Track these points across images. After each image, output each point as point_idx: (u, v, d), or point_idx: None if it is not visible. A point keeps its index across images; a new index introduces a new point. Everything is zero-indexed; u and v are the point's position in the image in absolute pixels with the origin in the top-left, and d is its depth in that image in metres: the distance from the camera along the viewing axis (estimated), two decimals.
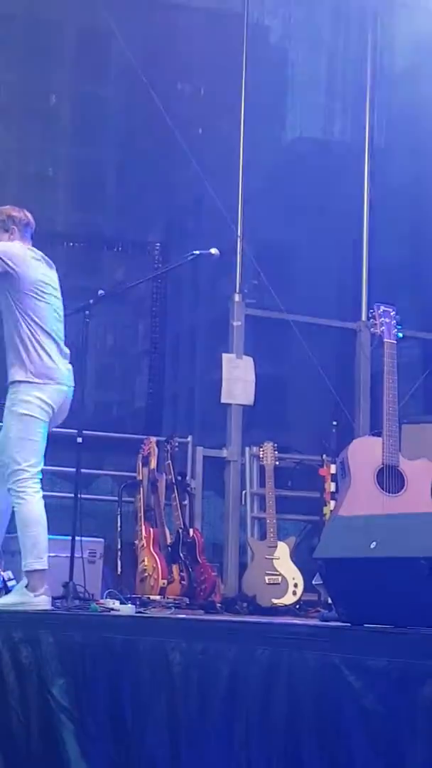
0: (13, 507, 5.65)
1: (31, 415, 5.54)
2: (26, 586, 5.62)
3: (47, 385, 5.58)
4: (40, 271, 5.65)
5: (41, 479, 5.68)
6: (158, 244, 8.80)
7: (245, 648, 4.16)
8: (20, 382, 5.56)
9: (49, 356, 5.60)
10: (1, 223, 5.70)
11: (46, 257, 5.84)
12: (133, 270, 8.82)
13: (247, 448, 8.31)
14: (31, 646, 5.17)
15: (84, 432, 6.16)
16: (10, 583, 6.27)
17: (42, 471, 5.71)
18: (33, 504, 5.56)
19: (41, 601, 5.60)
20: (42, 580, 5.61)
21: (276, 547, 7.38)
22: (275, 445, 7.75)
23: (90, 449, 6.34)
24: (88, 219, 9.25)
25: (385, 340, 6.65)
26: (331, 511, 7.10)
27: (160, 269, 8.44)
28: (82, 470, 6.23)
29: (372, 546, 3.94)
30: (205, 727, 4.29)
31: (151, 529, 7.18)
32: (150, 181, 8.91)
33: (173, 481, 7.42)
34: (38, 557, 5.59)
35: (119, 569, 7.27)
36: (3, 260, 5.50)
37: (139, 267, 8.80)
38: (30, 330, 5.55)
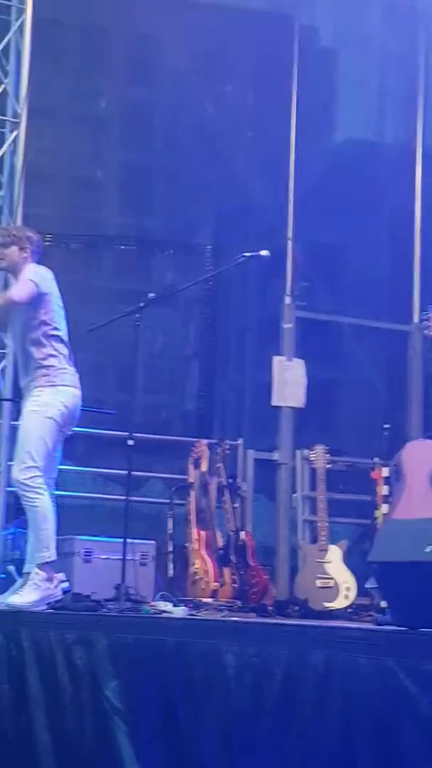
0: (26, 505, 5.75)
1: (52, 418, 5.77)
2: (43, 579, 5.73)
3: (66, 389, 5.80)
4: (55, 285, 5.98)
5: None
6: (209, 247, 8.80)
7: (300, 651, 4.15)
8: (42, 386, 5.77)
9: (67, 361, 5.88)
10: (19, 241, 5.93)
11: None
12: (182, 272, 8.83)
13: (298, 451, 8.28)
14: (84, 648, 5.19)
15: (134, 435, 6.18)
16: (63, 585, 6.30)
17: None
18: (47, 500, 5.76)
19: (60, 589, 5.83)
20: (53, 570, 5.80)
21: (327, 550, 7.35)
22: (326, 447, 7.72)
23: (140, 452, 6.36)
24: (138, 222, 9.28)
25: None
26: (383, 514, 7.05)
27: (210, 271, 8.45)
28: (133, 473, 6.26)
29: (427, 550, 3.91)
30: (258, 730, 4.27)
31: (203, 532, 7.18)
32: (199, 184, 8.92)
33: (224, 483, 7.42)
34: (52, 549, 5.79)
35: (171, 572, 7.28)
36: (39, 288, 5.79)
37: (188, 269, 8.81)
38: (50, 337, 5.85)
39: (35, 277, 5.83)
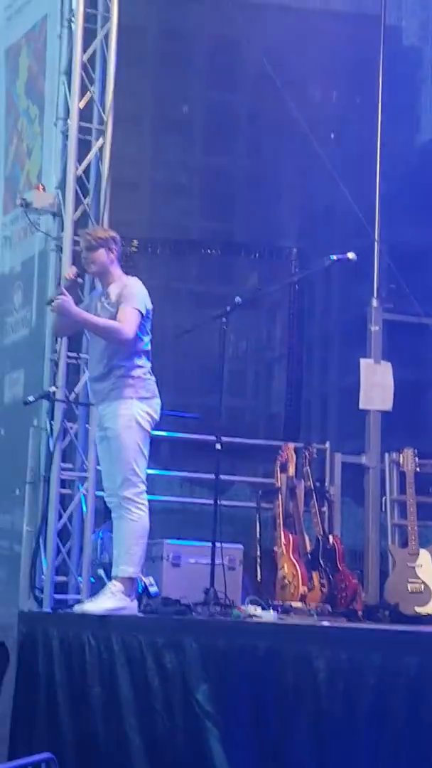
0: (123, 516, 5.78)
1: (146, 430, 5.85)
2: (120, 591, 5.79)
3: (152, 400, 5.89)
4: None
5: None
6: (294, 250, 8.76)
7: (392, 656, 4.10)
8: (130, 398, 5.81)
9: (149, 370, 5.91)
10: (105, 243, 5.93)
11: None
12: (267, 276, 8.81)
13: (386, 454, 8.20)
14: (174, 652, 5.21)
15: (221, 438, 6.19)
16: (152, 589, 6.33)
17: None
18: (146, 517, 5.83)
19: (134, 606, 5.90)
20: (132, 586, 5.88)
21: (418, 554, 7.25)
22: (415, 450, 7.64)
23: (226, 456, 6.37)
24: (222, 226, 9.27)
25: None
26: None
27: (296, 274, 8.41)
28: (222, 477, 6.26)
29: None
30: (351, 736, 4.24)
31: (291, 536, 7.15)
32: (284, 187, 8.89)
33: (312, 487, 7.38)
34: (139, 566, 5.85)
35: (259, 576, 7.27)
36: (144, 313, 5.84)
37: (273, 273, 8.78)
38: (141, 351, 5.89)
39: (140, 304, 5.82)
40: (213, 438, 6.22)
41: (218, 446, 6.18)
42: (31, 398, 6.72)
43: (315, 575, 6.95)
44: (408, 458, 7.57)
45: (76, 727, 5.75)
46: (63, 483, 6.87)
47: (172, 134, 9.12)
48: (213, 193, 9.25)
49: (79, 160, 7.10)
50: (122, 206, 7.49)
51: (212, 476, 6.22)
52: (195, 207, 9.26)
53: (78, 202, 7.08)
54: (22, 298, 7.81)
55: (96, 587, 6.48)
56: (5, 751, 6.17)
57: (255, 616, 5.77)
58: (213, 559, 6.00)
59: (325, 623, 5.62)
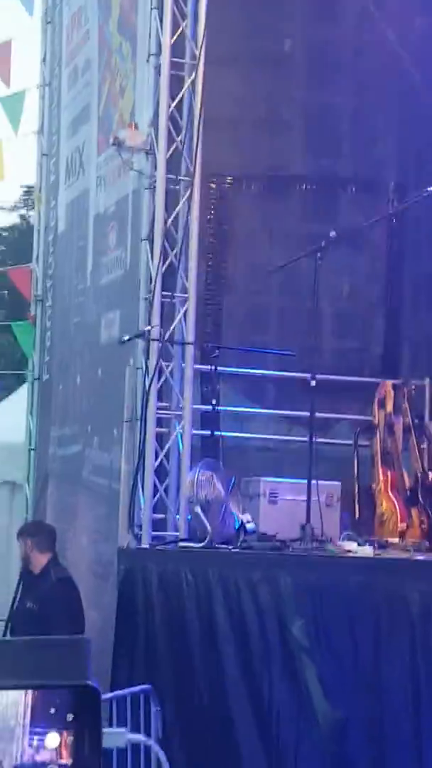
0: None
1: None
2: None
3: None
4: None
5: None
6: (392, 183, 8.57)
7: None
8: None
9: None
10: None
11: None
12: (367, 212, 8.62)
13: None
14: (269, 586, 5.22)
15: (319, 376, 6.12)
16: (248, 526, 6.33)
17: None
18: None
19: None
20: None
21: None
22: None
23: (326, 395, 6.30)
24: (322, 162, 9.10)
25: None
26: None
27: (395, 208, 8.23)
28: (319, 415, 6.19)
29: None
30: None
31: (389, 473, 7.06)
32: (385, 122, 8.68)
33: (410, 424, 7.26)
34: None
35: (357, 513, 7.20)
36: None
37: (373, 209, 8.60)
38: None
39: None
40: (309, 375, 6.16)
41: (313, 383, 6.11)
42: (126, 338, 6.72)
43: (414, 512, 6.85)
44: None
45: (174, 660, 5.82)
46: (159, 421, 6.90)
47: (271, 70, 8.95)
48: (312, 129, 9.09)
49: (172, 97, 7.03)
50: (218, 143, 7.41)
51: (308, 414, 6.16)
52: (293, 143, 9.11)
53: (171, 140, 7.02)
54: (117, 238, 7.82)
55: (193, 525, 6.51)
56: (108, 682, 6.28)
57: (350, 551, 5.73)
58: (309, 496, 5.97)
59: (420, 557, 5.55)
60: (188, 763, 5.56)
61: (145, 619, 6.15)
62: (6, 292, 21.16)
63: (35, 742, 0.90)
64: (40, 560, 6.82)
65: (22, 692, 0.91)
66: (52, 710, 0.91)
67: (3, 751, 0.89)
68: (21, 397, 10.61)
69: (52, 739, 0.92)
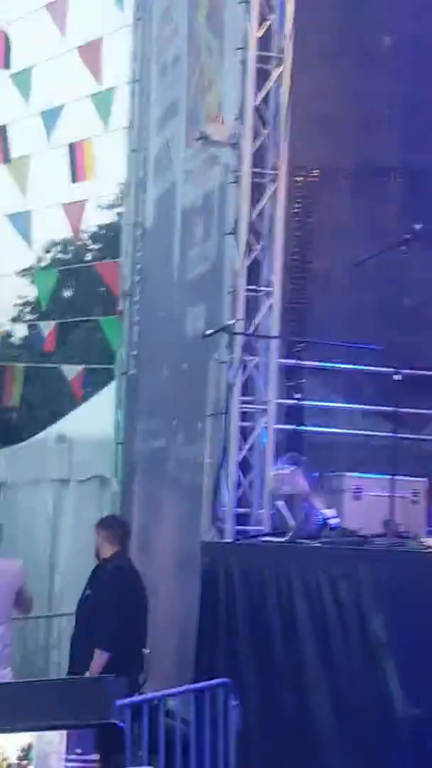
0: None
1: None
2: None
3: None
4: None
5: None
6: None
7: None
8: None
9: None
10: None
11: None
12: None
13: None
14: (350, 581, 5.18)
15: (408, 371, 6.06)
16: (332, 521, 6.29)
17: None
18: None
19: None
20: None
21: None
22: None
23: (408, 388, 6.20)
24: (413, 156, 8.98)
25: None
26: None
27: None
28: (409, 410, 6.13)
29: None
30: None
31: None
32: None
33: None
34: None
35: None
36: None
37: None
38: None
39: None
40: (393, 370, 6.09)
41: (398, 377, 6.05)
42: (209, 332, 6.73)
43: None
44: None
45: (256, 652, 5.81)
46: (243, 415, 6.89)
47: (371, 67, 8.86)
48: (403, 123, 8.97)
49: (258, 90, 7.02)
50: (304, 137, 7.36)
51: (393, 409, 6.10)
52: (382, 137, 9.01)
53: (257, 134, 7.01)
54: (203, 232, 7.84)
55: (276, 519, 6.49)
56: (190, 674, 6.31)
57: None
58: (392, 491, 5.90)
59: None
60: (267, 755, 5.55)
61: (227, 612, 6.16)
62: (95, 287, 21.38)
63: None
64: (107, 552, 6.91)
65: (55, 737, 0.92)
66: (79, 750, 0.92)
67: None
68: (111, 391, 10.70)
69: None
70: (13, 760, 0.91)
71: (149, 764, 4.85)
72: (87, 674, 6.22)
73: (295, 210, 7.21)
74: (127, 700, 5.11)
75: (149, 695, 5.65)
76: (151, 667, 7.68)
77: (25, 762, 0.90)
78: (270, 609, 5.75)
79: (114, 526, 7.13)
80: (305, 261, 7.28)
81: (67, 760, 0.91)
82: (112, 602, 6.63)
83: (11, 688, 0.89)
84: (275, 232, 6.96)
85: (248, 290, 6.90)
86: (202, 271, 7.84)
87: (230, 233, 7.04)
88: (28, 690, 0.93)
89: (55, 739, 0.90)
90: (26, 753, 0.89)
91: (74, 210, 9.89)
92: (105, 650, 6.49)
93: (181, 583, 7.62)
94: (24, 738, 0.90)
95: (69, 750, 0.91)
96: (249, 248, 6.88)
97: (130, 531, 7.23)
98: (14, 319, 26.66)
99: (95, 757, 0.91)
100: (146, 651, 6.56)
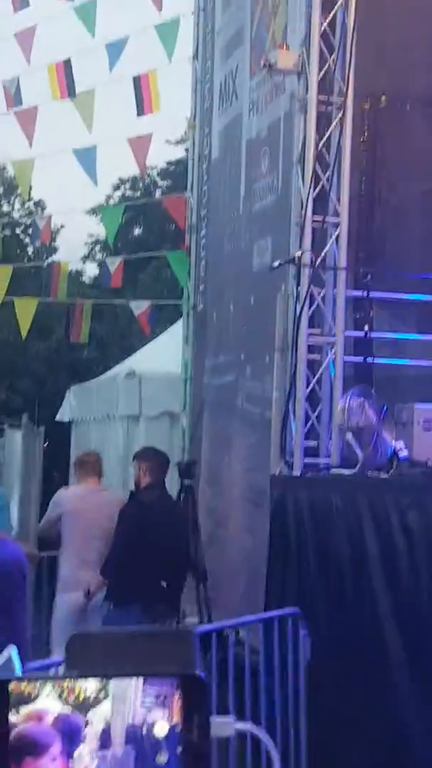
0: None
1: None
2: None
3: None
4: None
5: None
6: None
7: None
8: None
9: None
10: None
11: None
12: None
13: None
14: (419, 512, 5.14)
15: None
16: (401, 453, 6.24)
17: None
18: None
19: None
20: None
21: None
22: None
23: None
24: None
25: None
26: None
27: None
28: None
29: None
30: None
31: None
32: None
33: None
34: None
35: None
36: None
37: None
38: None
39: None
40: None
41: None
42: (276, 264, 6.65)
43: None
44: None
45: (325, 584, 5.81)
46: (311, 348, 6.83)
47: None
48: None
49: (324, 16, 6.85)
50: (371, 63, 7.18)
51: None
52: None
53: (323, 60, 6.86)
54: (269, 163, 7.73)
55: (345, 452, 6.46)
56: (261, 606, 6.34)
57: None
58: None
59: None
60: (336, 686, 5.57)
61: (296, 543, 6.16)
62: (164, 224, 21.31)
63: (144, 719, 0.93)
64: (143, 483, 6.96)
65: (134, 679, 0.93)
66: (160, 697, 0.92)
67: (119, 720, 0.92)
68: (180, 328, 10.70)
69: (161, 727, 0.93)
70: (91, 694, 0.91)
71: (218, 695, 4.89)
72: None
73: (363, 138, 7.08)
74: (195, 630, 5.16)
75: (218, 625, 5.69)
76: (221, 600, 7.76)
77: (102, 697, 0.90)
78: (339, 540, 5.74)
79: (153, 459, 7.18)
80: (373, 190, 7.15)
81: (145, 700, 0.90)
82: (120, 534, 6.73)
83: (92, 637, 0.90)
84: (342, 161, 6.83)
85: (315, 221, 6.80)
86: (268, 202, 7.75)
87: (297, 163, 6.94)
88: (109, 638, 0.93)
89: (134, 681, 0.90)
90: (104, 689, 0.90)
91: (140, 144, 9.81)
92: (102, 575, 6.75)
93: (250, 517, 7.65)
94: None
95: (147, 692, 0.91)
96: (316, 178, 6.78)
97: (168, 463, 7.28)
98: (85, 258, 26.77)
99: (177, 701, 0.90)
100: (163, 584, 6.59)
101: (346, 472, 6.25)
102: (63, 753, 0.96)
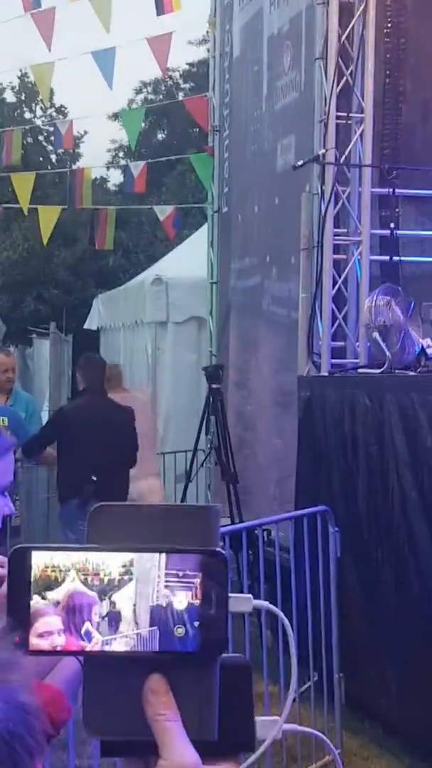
0: None
1: None
2: None
3: None
4: None
5: None
6: None
7: None
8: None
9: None
10: None
11: None
12: None
13: None
14: None
15: None
16: (429, 351, 6.22)
17: None
18: None
19: None
20: None
21: None
22: None
23: None
24: None
25: None
26: None
27: None
28: None
29: None
30: None
31: None
32: None
33: None
34: None
35: None
36: None
37: None
38: None
39: None
40: None
41: None
42: (299, 163, 6.56)
43: None
44: None
45: (353, 483, 5.84)
46: (337, 248, 6.77)
47: None
48: None
49: None
50: None
51: None
52: None
53: None
54: (291, 59, 7.56)
55: (372, 351, 6.44)
56: (291, 507, 6.40)
57: None
58: None
59: None
60: (365, 581, 5.63)
61: (325, 445, 6.19)
62: (187, 127, 21.01)
63: (166, 599, 0.95)
64: (80, 389, 7.45)
65: (156, 558, 0.94)
66: (181, 573, 0.94)
67: (140, 595, 0.94)
68: (205, 232, 10.61)
69: (180, 602, 0.95)
70: (115, 575, 0.92)
71: (250, 592, 4.96)
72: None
73: (386, 30, 6.90)
74: (226, 528, 5.21)
75: (248, 523, 5.75)
76: (252, 502, 7.83)
77: (126, 577, 0.92)
78: (367, 438, 5.75)
79: (81, 366, 7.51)
80: (398, 84, 7.00)
81: (168, 578, 0.92)
82: (42, 429, 7.38)
83: (114, 509, 0.91)
84: (366, 55, 6.69)
85: (339, 118, 6.68)
86: (291, 100, 7.60)
87: (319, 58, 6.80)
88: (131, 511, 0.94)
89: (156, 558, 0.91)
90: (128, 569, 0.91)
91: (160, 44, 9.60)
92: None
93: (278, 418, 7.67)
94: (126, 555, 0.92)
95: (170, 569, 0.92)
96: (339, 73, 6.64)
97: (104, 366, 7.51)
98: (108, 165, 26.53)
99: (197, 577, 0.92)
100: (93, 478, 6.77)
101: (374, 371, 6.24)
102: (71, 629, 0.98)
